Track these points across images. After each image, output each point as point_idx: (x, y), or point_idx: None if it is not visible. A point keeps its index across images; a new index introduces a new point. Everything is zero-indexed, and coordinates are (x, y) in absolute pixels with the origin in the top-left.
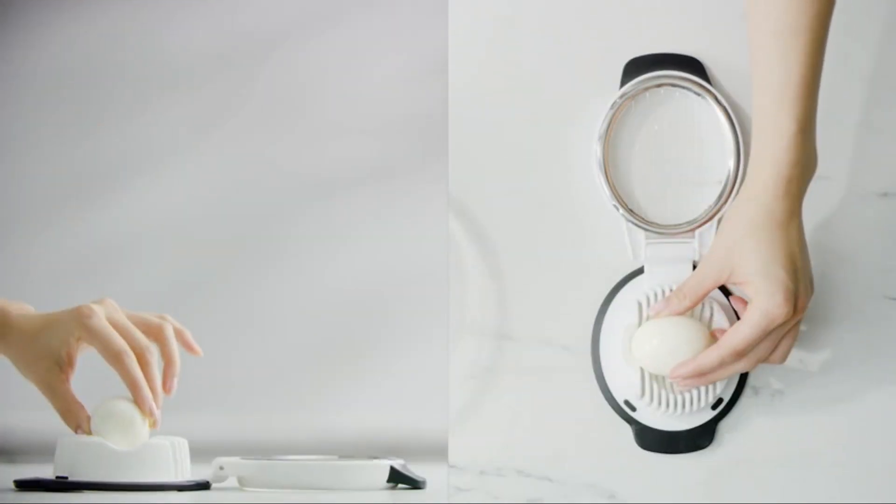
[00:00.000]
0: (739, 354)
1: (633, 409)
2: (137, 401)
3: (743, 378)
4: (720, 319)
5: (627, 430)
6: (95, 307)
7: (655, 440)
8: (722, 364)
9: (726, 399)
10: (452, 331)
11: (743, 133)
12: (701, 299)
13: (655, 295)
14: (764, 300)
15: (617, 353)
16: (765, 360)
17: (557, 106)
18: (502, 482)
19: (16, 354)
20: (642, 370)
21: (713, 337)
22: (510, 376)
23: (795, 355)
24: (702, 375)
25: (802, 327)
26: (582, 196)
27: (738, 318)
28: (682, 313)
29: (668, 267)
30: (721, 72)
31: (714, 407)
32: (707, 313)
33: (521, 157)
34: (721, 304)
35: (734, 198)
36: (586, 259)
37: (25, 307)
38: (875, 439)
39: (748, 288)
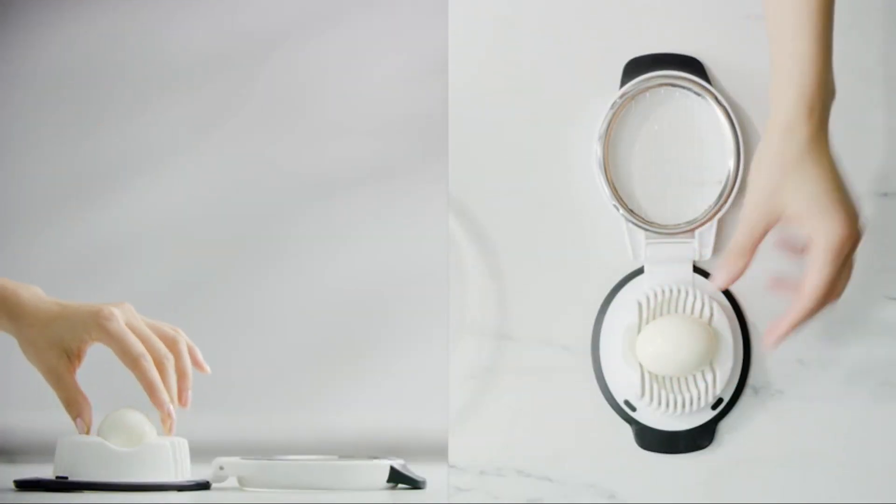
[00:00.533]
0: (826, 299)
1: (633, 409)
2: (155, 403)
3: (743, 378)
4: (720, 319)
5: (627, 430)
6: (116, 310)
7: (655, 440)
8: (810, 315)
9: (726, 399)
10: (452, 331)
11: (743, 133)
12: (755, 251)
13: (655, 295)
14: (828, 232)
15: (617, 353)
16: (835, 296)
17: (557, 106)
18: (502, 482)
19: (26, 338)
20: (642, 370)
21: (715, 336)
22: (510, 376)
23: (795, 355)
24: (791, 332)
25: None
26: (582, 196)
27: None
28: (742, 273)
29: (668, 267)
30: (721, 72)
31: (714, 407)
32: (707, 313)
33: (521, 156)
34: (721, 304)
35: (734, 198)
36: (586, 259)
37: (38, 292)
38: (875, 439)
39: (804, 225)
